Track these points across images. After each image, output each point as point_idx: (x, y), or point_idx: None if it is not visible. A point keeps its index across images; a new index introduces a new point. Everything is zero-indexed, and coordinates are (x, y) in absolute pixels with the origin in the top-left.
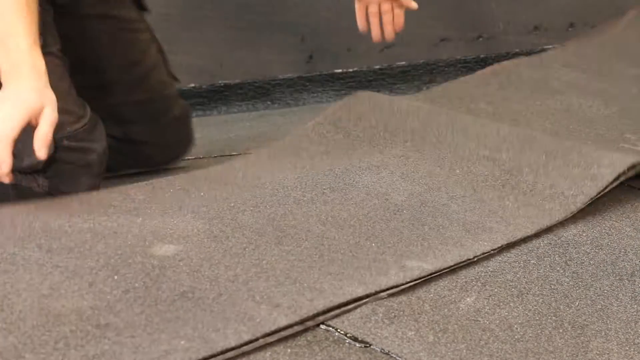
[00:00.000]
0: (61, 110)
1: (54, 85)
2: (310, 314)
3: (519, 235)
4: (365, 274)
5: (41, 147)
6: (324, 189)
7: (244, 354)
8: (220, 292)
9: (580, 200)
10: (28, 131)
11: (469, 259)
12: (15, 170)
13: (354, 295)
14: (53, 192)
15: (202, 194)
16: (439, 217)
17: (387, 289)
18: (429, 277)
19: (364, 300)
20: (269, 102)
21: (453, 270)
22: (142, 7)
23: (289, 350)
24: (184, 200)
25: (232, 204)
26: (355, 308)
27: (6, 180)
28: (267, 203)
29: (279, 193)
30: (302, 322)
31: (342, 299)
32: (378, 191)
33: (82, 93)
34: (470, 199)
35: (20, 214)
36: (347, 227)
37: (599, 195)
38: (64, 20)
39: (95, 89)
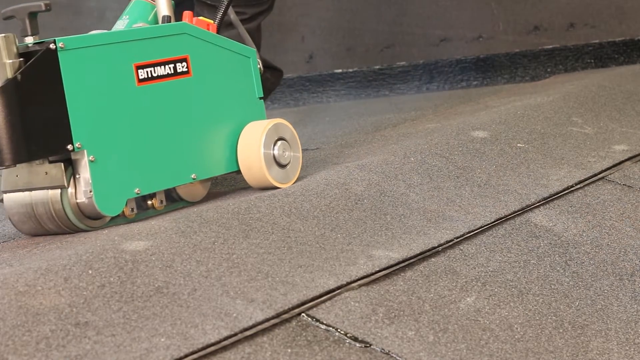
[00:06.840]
0: None
1: None
2: (286, 307)
3: (479, 224)
4: (335, 265)
5: None
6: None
7: (243, 354)
8: (194, 287)
9: (534, 197)
10: None
11: (434, 247)
12: None
13: (326, 288)
14: None
15: None
16: (399, 206)
17: (358, 279)
18: (398, 266)
19: (337, 292)
20: (269, 102)
21: (453, 270)
22: None
23: (289, 350)
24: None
25: (195, 208)
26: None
27: None
28: (229, 201)
29: (240, 194)
30: (278, 316)
31: (315, 292)
32: (337, 181)
33: None
34: (427, 187)
35: None
36: (311, 218)
37: (558, 195)
38: None
39: None
